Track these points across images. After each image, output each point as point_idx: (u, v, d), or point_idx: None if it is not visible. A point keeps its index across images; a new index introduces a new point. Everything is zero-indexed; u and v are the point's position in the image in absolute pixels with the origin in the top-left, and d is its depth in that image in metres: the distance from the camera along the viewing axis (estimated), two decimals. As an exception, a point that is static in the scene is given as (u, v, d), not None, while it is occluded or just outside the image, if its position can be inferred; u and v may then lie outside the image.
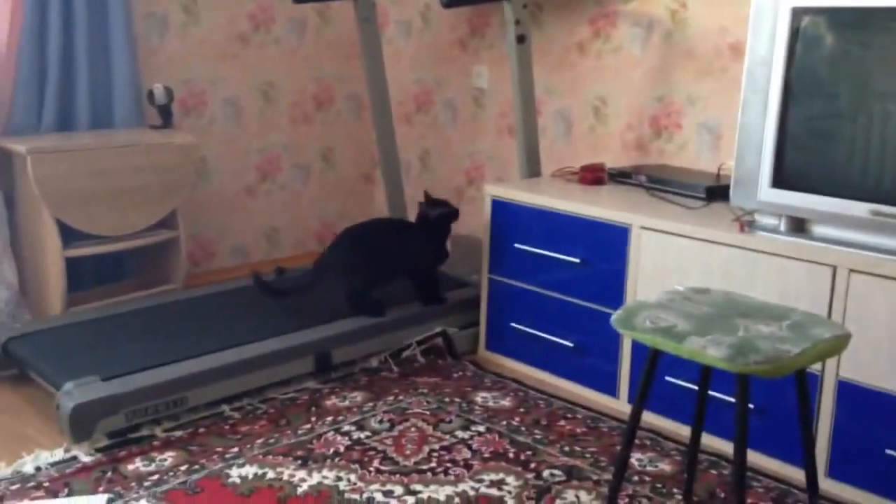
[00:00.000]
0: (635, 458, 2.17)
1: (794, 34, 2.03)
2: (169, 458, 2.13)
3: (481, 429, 2.32)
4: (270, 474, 2.06)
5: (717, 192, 2.44)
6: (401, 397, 2.50)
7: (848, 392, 1.99)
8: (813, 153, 2.05)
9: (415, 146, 3.76)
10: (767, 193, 2.12)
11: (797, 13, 2.02)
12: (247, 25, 3.46)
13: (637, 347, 2.38)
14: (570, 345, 2.55)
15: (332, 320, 2.67)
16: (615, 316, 1.74)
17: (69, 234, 2.82)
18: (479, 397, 2.52)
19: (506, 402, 2.49)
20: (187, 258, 3.22)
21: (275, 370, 2.47)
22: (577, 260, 2.49)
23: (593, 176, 2.75)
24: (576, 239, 2.50)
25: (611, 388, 2.47)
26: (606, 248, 2.42)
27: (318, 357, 2.55)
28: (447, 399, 2.50)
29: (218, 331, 2.58)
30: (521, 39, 2.84)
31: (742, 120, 2.14)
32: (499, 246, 2.71)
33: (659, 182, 2.61)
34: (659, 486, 2.06)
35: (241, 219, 3.60)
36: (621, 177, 2.74)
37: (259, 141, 3.59)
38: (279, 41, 3.57)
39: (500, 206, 2.70)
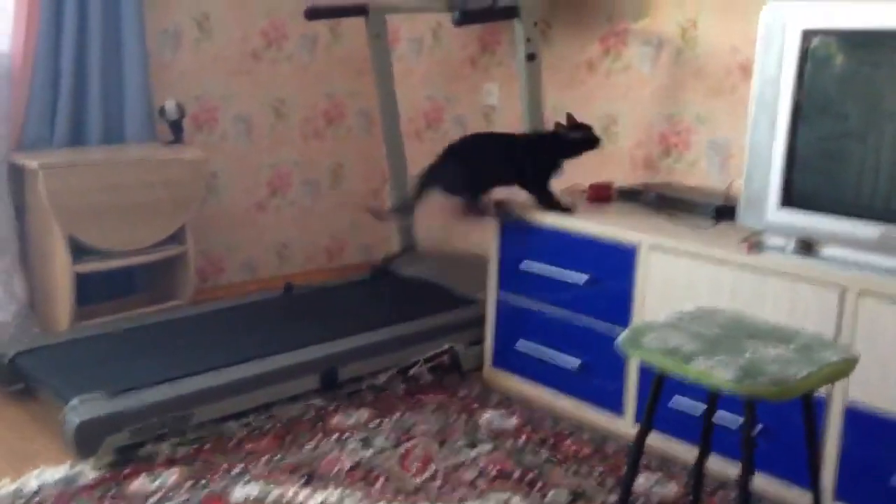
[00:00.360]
0: (641, 480, 2.15)
1: (804, 55, 2.02)
2: (174, 475, 2.13)
3: (487, 448, 2.31)
4: (275, 492, 2.05)
5: (726, 211, 2.43)
6: (407, 415, 2.49)
7: (856, 415, 1.97)
8: (822, 173, 2.04)
9: (425, 162, 3.75)
10: (776, 214, 2.10)
11: (807, 34, 2.01)
12: (259, 42, 3.49)
13: (644, 367, 2.36)
14: (577, 363, 2.53)
15: (338, 337, 2.66)
16: (622, 336, 1.73)
17: (79, 249, 2.83)
18: (486, 416, 2.51)
19: (512, 421, 2.48)
20: (197, 273, 3.23)
21: (281, 387, 2.47)
22: (584, 278, 2.48)
23: (602, 194, 2.74)
24: (583, 257, 2.49)
25: (618, 408, 2.45)
26: (614, 266, 2.41)
27: (323, 374, 2.55)
28: (453, 417, 2.49)
29: (225, 347, 2.58)
30: (531, 57, 2.84)
31: (751, 140, 2.13)
32: (506, 263, 2.71)
33: (668, 201, 2.60)
34: (666, 508, 2.04)
35: (252, 234, 3.61)
36: (630, 195, 2.73)
37: (270, 156, 3.61)
38: (291, 57, 3.59)
39: (507, 224, 2.69)
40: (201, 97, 3.36)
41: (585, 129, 2.67)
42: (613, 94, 3.06)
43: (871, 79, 1.95)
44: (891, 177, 1.93)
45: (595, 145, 2.67)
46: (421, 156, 3.75)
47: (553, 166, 2.66)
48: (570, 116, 2.68)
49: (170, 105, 3.12)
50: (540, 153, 2.66)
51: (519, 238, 2.66)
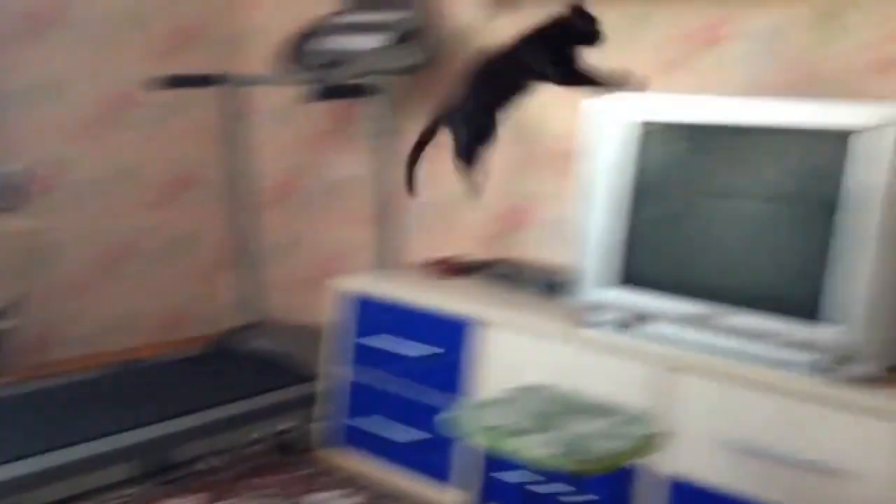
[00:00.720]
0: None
1: (631, 142, 2.14)
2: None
3: (323, 531, 2.24)
4: (85, 588, 1.90)
5: (561, 287, 2.50)
6: (241, 499, 2.38)
7: (679, 487, 2.02)
8: (648, 252, 2.14)
9: (276, 234, 3.72)
10: (605, 290, 2.18)
11: (633, 125, 2.13)
12: (109, 106, 3.38)
13: (484, 443, 2.36)
14: (418, 439, 2.51)
15: (170, 417, 2.53)
16: (450, 416, 1.73)
17: None
18: (324, 496, 2.43)
19: (353, 501, 2.41)
20: (33, 347, 3.02)
21: (104, 473, 2.32)
22: (424, 353, 2.48)
23: (447, 268, 2.78)
24: (424, 332, 2.49)
25: (455, 484, 2.43)
26: (453, 341, 2.42)
27: (153, 458, 2.41)
28: (291, 500, 2.40)
29: (45, 430, 2.41)
30: (384, 132, 2.89)
31: (582, 218, 2.22)
32: (347, 338, 2.68)
33: (509, 275, 2.65)
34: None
35: (93, 306, 3.43)
36: (474, 269, 2.78)
37: (115, 225, 3.47)
38: (142, 124, 3.50)
39: (350, 298, 2.67)
40: (46, 162, 3.21)
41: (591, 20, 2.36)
42: (462, 170, 3.13)
43: (692, 166, 2.08)
44: (711, 257, 2.05)
45: (594, 39, 2.36)
46: (273, 227, 3.71)
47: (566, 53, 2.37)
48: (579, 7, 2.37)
49: (10, 170, 2.96)
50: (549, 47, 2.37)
51: (360, 311, 2.64)
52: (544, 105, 2.89)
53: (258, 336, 3.26)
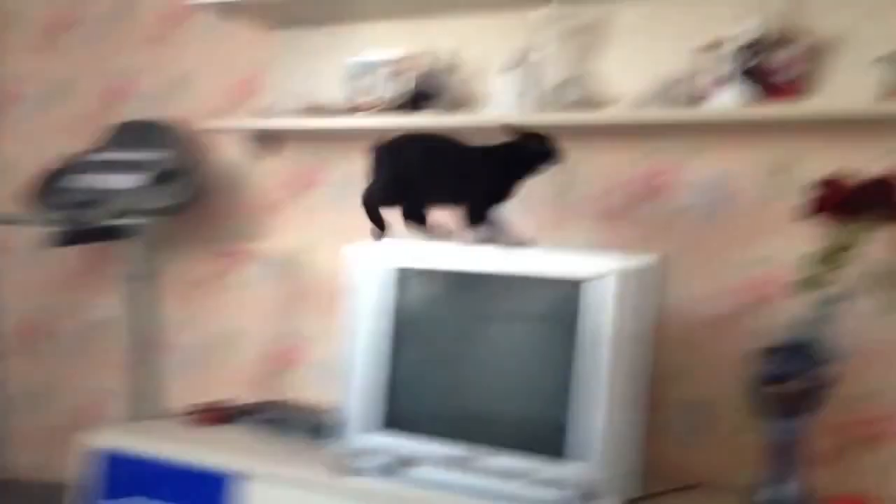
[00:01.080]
0: None
1: (390, 285, 2.17)
2: None
3: None
4: None
5: (328, 431, 2.45)
6: None
7: None
8: (410, 395, 2.14)
9: (23, 381, 3.39)
10: (369, 435, 2.15)
11: (392, 269, 2.17)
12: None
13: None
14: None
15: None
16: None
17: None
18: None
19: None
20: None
21: None
22: (184, 513, 2.31)
23: (211, 415, 2.64)
24: (181, 491, 2.32)
25: None
26: (214, 499, 2.27)
27: None
28: None
29: None
30: (140, 274, 2.76)
31: (346, 361, 2.20)
32: (96, 500, 2.44)
33: (275, 421, 2.55)
34: None
35: None
36: (240, 415, 2.66)
37: None
38: None
39: (100, 453, 2.45)
40: None
41: (540, 139, 2.17)
42: (232, 310, 3.04)
43: (446, 310, 2.14)
44: (467, 399, 2.08)
45: (550, 158, 2.18)
46: (21, 374, 3.37)
47: (505, 188, 2.20)
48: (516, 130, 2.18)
49: None
50: (494, 170, 2.19)
51: (110, 467, 2.42)
52: (313, 242, 2.91)
53: (1, 499, 2.90)
